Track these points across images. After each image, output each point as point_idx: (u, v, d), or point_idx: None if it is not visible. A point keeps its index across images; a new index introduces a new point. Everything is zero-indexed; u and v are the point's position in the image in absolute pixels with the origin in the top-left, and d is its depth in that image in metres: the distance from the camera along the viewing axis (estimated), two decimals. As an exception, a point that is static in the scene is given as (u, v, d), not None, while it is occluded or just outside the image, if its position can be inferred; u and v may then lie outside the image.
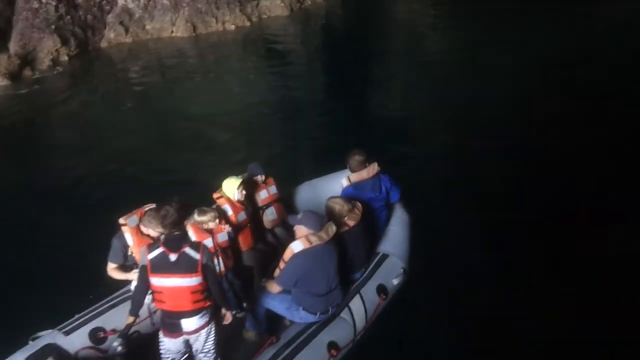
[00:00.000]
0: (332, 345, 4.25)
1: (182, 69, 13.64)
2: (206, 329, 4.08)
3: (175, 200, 4.14)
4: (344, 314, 4.50)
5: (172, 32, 15.67)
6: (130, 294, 4.60)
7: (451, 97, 11.00)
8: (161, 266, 3.87)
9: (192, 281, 3.89)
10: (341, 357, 4.36)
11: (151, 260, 3.89)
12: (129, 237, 4.65)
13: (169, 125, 10.35)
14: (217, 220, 4.72)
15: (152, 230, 4.57)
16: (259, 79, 13.12)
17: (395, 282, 4.85)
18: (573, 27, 15.64)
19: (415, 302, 5.18)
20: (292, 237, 4.60)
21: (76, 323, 4.46)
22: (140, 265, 4.04)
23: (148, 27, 15.53)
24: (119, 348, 4.05)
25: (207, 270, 3.94)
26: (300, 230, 4.43)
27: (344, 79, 12.35)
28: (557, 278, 5.87)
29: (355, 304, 4.57)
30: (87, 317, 4.53)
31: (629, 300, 5.51)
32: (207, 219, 4.69)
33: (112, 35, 15.01)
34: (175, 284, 3.88)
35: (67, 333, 4.36)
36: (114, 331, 4.40)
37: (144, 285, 3.99)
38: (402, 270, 4.96)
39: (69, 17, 13.99)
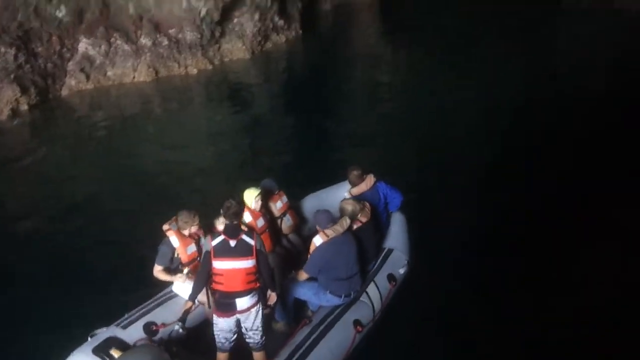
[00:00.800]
0: (357, 323, 5.13)
1: (145, 114, 13.61)
2: (255, 307, 4.82)
3: (235, 197, 5.13)
4: (363, 298, 5.40)
5: (133, 77, 15.63)
6: (172, 293, 5.43)
7: (411, 124, 11.47)
8: (223, 251, 4.70)
9: (248, 263, 4.71)
10: (365, 333, 5.19)
11: (214, 246, 4.72)
12: (174, 239, 5.35)
13: (134, 172, 10.28)
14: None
15: (189, 229, 5.37)
16: (223, 120, 13.21)
17: (402, 271, 5.88)
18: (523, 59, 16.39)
19: (417, 288, 6.14)
20: (304, 242, 5.71)
21: (131, 319, 5.12)
22: (204, 252, 4.82)
23: (109, 73, 15.45)
24: (180, 330, 4.90)
25: (259, 254, 4.78)
26: (322, 229, 5.31)
27: (308, 117, 12.58)
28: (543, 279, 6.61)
29: (371, 289, 5.48)
30: (139, 313, 5.19)
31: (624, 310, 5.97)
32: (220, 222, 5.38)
33: (73, 83, 14.86)
34: (234, 266, 4.69)
35: (124, 327, 5.02)
36: (164, 325, 5.09)
37: (207, 269, 4.77)
38: (406, 261, 5.99)
39: (28, 65, 13.80)
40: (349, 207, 5.59)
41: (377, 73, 16.61)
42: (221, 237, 4.75)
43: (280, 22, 19.92)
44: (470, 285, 6.51)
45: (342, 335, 5.02)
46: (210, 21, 16.68)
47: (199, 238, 5.51)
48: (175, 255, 5.39)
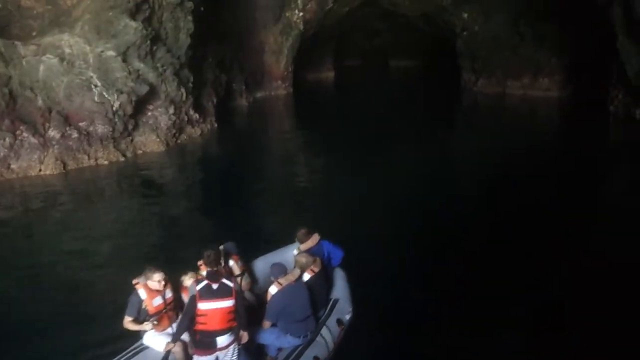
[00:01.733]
0: (316, 359, 5.85)
1: (52, 208, 13.10)
2: (233, 345, 5.55)
3: (213, 247, 5.95)
4: (319, 339, 6.15)
5: (40, 170, 15.17)
6: (143, 345, 5.87)
7: (325, 213, 11.65)
8: (207, 293, 5.42)
9: (228, 303, 5.45)
10: None
11: (199, 290, 5.45)
12: (142, 292, 5.88)
13: (40, 269, 9.70)
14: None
15: (156, 282, 5.89)
16: (133, 212, 12.92)
17: (347, 317, 6.74)
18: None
19: (360, 330, 7.00)
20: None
21: None
22: (189, 296, 5.57)
23: (14, 166, 14.94)
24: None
25: (238, 295, 5.58)
26: (276, 279, 6.11)
27: (219, 211, 12.51)
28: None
29: (325, 332, 6.28)
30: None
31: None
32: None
33: (-28, 176, 14.20)
34: (217, 306, 5.41)
35: None
36: None
37: (192, 310, 5.44)
38: (350, 309, 6.82)
39: None
40: (303, 259, 6.44)
41: (289, 167, 16.99)
42: (205, 282, 5.50)
43: (195, 116, 20.27)
44: (405, 329, 7.44)
45: None
46: (123, 114, 16.68)
47: (165, 292, 6.02)
48: (143, 306, 5.88)
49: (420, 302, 8.04)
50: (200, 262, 6.18)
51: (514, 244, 10.02)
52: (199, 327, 5.45)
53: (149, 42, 17.36)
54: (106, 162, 16.13)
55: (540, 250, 9.73)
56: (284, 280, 6.09)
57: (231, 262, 6.62)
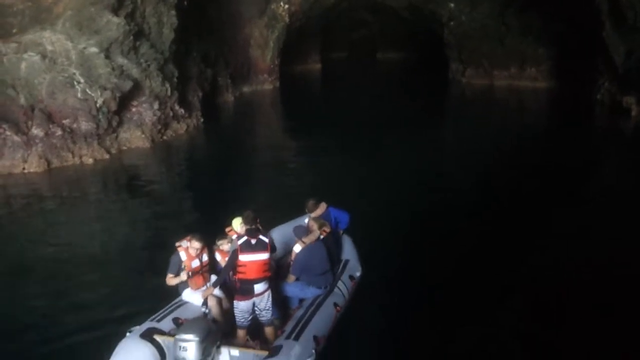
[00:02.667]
0: (336, 304, 6.82)
1: (36, 205, 12.92)
2: (268, 292, 6.37)
3: (250, 209, 6.68)
4: (336, 290, 7.14)
5: (23, 168, 14.95)
6: (182, 301, 6.78)
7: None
8: (246, 247, 6.25)
9: (264, 256, 6.29)
10: (341, 313, 6.82)
11: (240, 244, 6.27)
12: (183, 254, 6.77)
13: (19, 268, 9.56)
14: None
15: (194, 249, 6.75)
16: (118, 211, 12.77)
17: (358, 274, 7.77)
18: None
19: (368, 287, 7.87)
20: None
21: (159, 317, 6.42)
22: (232, 250, 6.45)
23: (-4, 164, 14.71)
24: (206, 310, 6.60)
25: (272, 249, 6.45)
26: (299, 239, 7.10)
27: (207, 207, 12.38)
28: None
29: (340, 284, 7.29)
30: (164, 313, 6.50)
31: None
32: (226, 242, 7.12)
33: (-46, 176, 13.96)
34: (255, 259, 6.24)
35: (158, 321, 6.35)
36: (186, 319, 6.34)
37: (233, 261, 6.28)
38: (360, 268, 7.87)
39: None
40: (316, 222, 7.31)
41: (276, 162, 16.76)
42: (245, 238, 6.32)
43: (181, 111, 20.07)
44: (409, 287, 8.27)
45: (327, 313, 6.65)
46: (107, 111, 16.47)
47: (202, 255, 6.87)
48: (182, 267, 6.76)
49: (417, 289, 8.22)
50: (228, 229, 7.19)
51: (502, 229, 10.08)
52: (239, 276, 6.29)
53: (132, 37, 17.12)
54: (91, 160, 15.89)
55: (528, 235, 9.79)
56: (307, 240, 7.05)
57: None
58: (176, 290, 6.91)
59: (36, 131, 15.34)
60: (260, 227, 6.65)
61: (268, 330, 6.45)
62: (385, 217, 10.89)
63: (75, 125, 15.97)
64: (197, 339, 5.64)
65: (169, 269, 6.81)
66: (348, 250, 8.07)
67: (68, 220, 12.14)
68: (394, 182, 13.40)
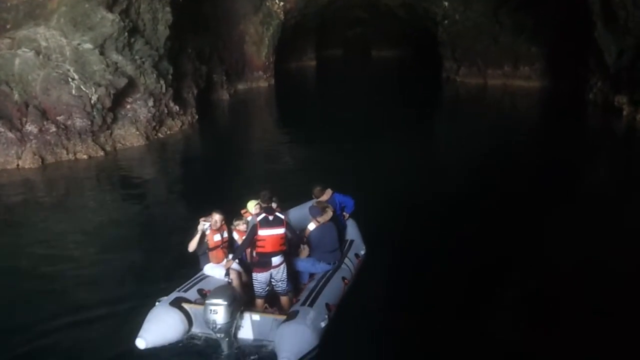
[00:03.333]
0: (344, 278, 7.57)
1: (31, 201, 12.95)
2: (283, 264, 7.04)
3: (266, 190, 7.49)
4: (343, 266, 7.88)
5: (17, 165, 14.96)
6: (204, 275, 7.48)
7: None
8: (265, 223, 6.92)
9: (280, 231, 6.97)
10: (349, 286, 7.58)
11: (259, 220, 6.94)
12: (207, 228, 7.39)
13: (15, 264, 9.59)
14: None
15: (216, 221, 7.43)
16: (113, 206, 12.81)
17: (362, 252, 8.57)
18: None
19: (370, 266, 8.61)
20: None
21: (185, 288, 7.14)
22: (250, 224, 7.21)
23: (-10, 160, 14.71)
24: (229, 280, 7.27)
25: (287, 225, 7.10)
26: (313, 218, 7.82)
27: (202, 202, 12.39)
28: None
29: (347, 261, 8.03)
30: (189, 285, 7.23)
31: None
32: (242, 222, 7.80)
33: (-52, 172, 13.95)
34: (272, 233, 6.92)
35: (185, 291, 7.08)
36: (209, 290, 6.84)
37: (252, 236, 6.95)
38: (364, 247, 8.68)
39: None
40: (319, 206, 7.98)
41: (271, 159, 16.80)
42: (263, 214, 6.99)
43: (176, 108, 20.09)
44: (409, 268, 8.76)
45: (336, 285, 7.35)
46: (102, 108, 16.46)
47: (222, 232, 7.53)
48: (205, 240, 7.42)
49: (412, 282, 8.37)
50: (244, 210, 8.01)
51: (493, 227, 10.16)
52: (258, 249, 6.96)
53: (126, 34, 17.13)
54: (85, 157, 15.90)
55: (524, 237, 9.84)
56: (321, 219, 7.75)
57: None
58: (197, 266, 7.66)
59: (30, 127, 15.33)
60: (275, 206, 7.50)
61: (284, 300, 7.14)
62: (379, 209, 10.87)
63: (69, 122, 15.96)
64: (225, 303, 6.32)
65: (192, 236, 7.46)
66: (353, 232, 8.86)
67: (61, 216, 12.16)
68: (387, 178, 13.48)
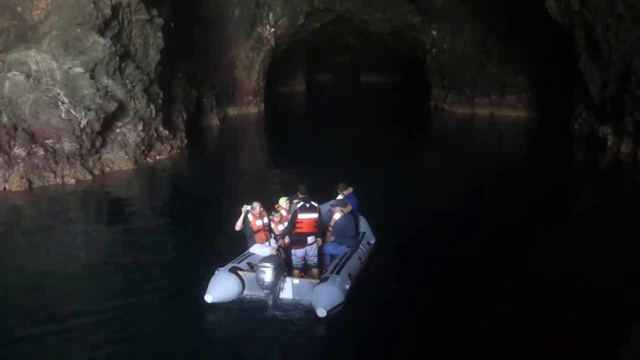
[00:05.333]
0: (360, 258, 9.52)
1: (16, 225, 12.84)
2: (315, 243, 8.97)
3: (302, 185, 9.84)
4: (359, 250, 9.75)
5: (4, 188, 14.85)
6: (250, 253, 9.32)
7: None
8: (304, 209, 8.86)
9: (315, 215, 8.93)
10: (363, 264, 9.53)
11: (299, 207, 8.90)
12: (250, 215, 9.26)
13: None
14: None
15: (256, 209, 9.32)
16: (98, 231, 12.73)
17: (372, 242, 10.52)
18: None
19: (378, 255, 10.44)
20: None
21: (239, 260, 9.10)
22: (292, 210, 9.12)
23: (-23, 183, 14.59)
24: (275, 251, 9.03)
25: (319, 211, 9.07)
26: (336, 209, 9.65)
27: (186, 231, 12.39)
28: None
29: (361, 247, 9.91)
30: (240, 259, 9.12)
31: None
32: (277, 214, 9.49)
33: None
34: (309, 217, 8.86)
35: (238, 263, 8.99)
36: (256, 264, 8.55)
37: (294, 220, 8.82)
38: (373, 237, 10.64)
39: None
40: (344, 201, 9.87)
41: (260, 186, 16.72)
42: (302, 202, 8.99)
43: (165, 132, 20.12)
44: (414, 260, 10.31)
45: (354, 263, 9.27)
46: (91, 131, 16.44)
47: (263, 218, 9.36)
48: (250, 225, 9.26)
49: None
50: (277, 205, 9.55)
51: (477, 262, 10.20)
52: (297, 230, 8.82)
53: (117, 58, 17.23)
54: (73, 181, 15.81)
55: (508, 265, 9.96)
56: (345, 210, 9.61)
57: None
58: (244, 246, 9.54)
59: (18, 151, 15.28)
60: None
61: (314, 271, 9.01)
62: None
63: (58, 146, 15.92)
64: (272, 265, 8.20)
65: (236, 219, 9.33)
66: (364, 226, 10.73)
67: (46, 240, 12.01)
68: (370, 203, 13.51)
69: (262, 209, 9.31)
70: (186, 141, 21.41)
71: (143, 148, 18.62)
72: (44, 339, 7.74)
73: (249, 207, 9.26)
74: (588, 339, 7.49)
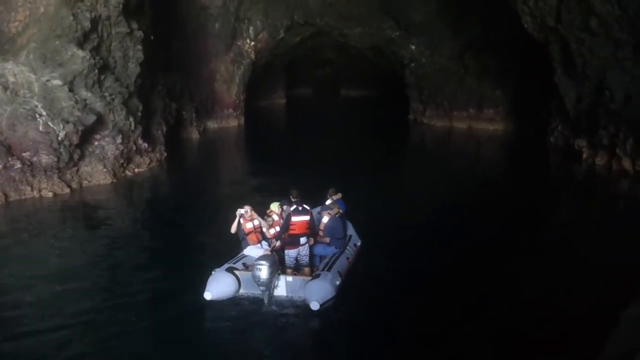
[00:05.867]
0: (347, 258, 10.08)
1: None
2: (307, 244, 9.58)
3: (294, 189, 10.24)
4: (346, 251, 10.32)
5: (-21, 202, 14.59)
6: (244, 255, 9.82)
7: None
8: (297, 212, 9.43)
9: (307, 218, 9.51)
10: (351, 264, 10.08)
11: (292, 210, 9.45)
12: (241, 219, 9.90)
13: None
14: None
15: (244, 211, 9.92)
16: (75, 245, 12.50)
17: (358, 244, 11.08)
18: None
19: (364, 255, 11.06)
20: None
21: (234, 261, 9.59)
22: (286, 213, 9.62)
23: (-49, 198, 14.28)
24: (268, 252, 9.54)
25: (311, 214, 9.65)
26: (324, 212, 10.29)
27: (166, 246, 12.26)
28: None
29: (348, 249, 10.47)
30: (235, 260, 9.61)
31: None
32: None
33: None
34: (301, 219, 9.44)
35: (234, 264, 9.46)
36: (251, 265, 9.16)
37: (288, 222, 9.38)
38: (359, 240, 11.23)
39: None
40: (332, 205, 10.50)
41: (236, 197, 16.58)
42: (295, 206, 9.54)
43: (144, 145, 19.97)
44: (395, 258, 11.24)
45: (343, 262, 9.88)
46: (69, 144, 16.25)
47: (253, 220, 9.96)
48: (241, 227, 9.88)
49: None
50: (269, 210, 10.22)
51: (451, 278, 10.27)
52: (291, 232, 9.39)
53: (96, 71, 17.12)
54: (50, 194, 15.58)
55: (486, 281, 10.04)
56: (332, 212, 10.19)
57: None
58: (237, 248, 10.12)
59: (-6, 164, 15.03)
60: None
61: (306, 270, 9.64)
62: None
63: (35, 159, 15.70)
64: (268, 263, 8.73)
65: (233, 224, 9.96)
66: (351, 229, 11.33)
67: (23, 255, 11.81)
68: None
69: (252, 212, 9.89)
70: (165, 154, 21.30)
71: (122, 161, 18.45)
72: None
73: (242, 211, 9.83)
74: (568, 349, 7.57)
